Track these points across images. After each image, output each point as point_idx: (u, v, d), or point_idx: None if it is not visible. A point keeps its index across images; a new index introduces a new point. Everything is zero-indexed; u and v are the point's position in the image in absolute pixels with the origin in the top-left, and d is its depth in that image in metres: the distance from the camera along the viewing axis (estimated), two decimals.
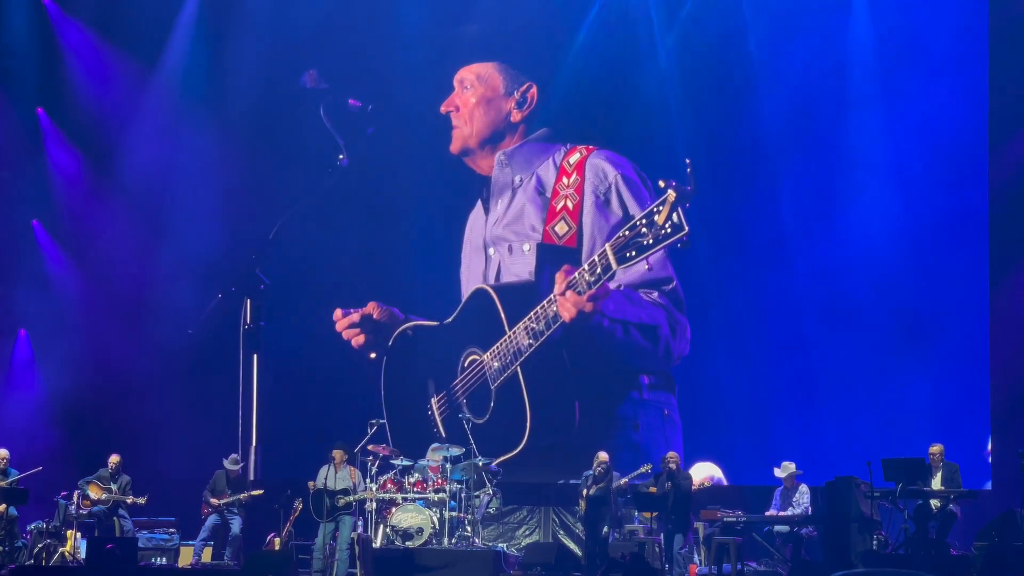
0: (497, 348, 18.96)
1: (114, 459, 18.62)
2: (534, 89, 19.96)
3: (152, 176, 21.34)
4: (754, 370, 19.16)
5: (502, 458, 18.90)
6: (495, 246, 19.66)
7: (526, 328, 18.53)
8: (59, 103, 21.55)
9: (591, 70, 19.81)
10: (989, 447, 18.53)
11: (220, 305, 20.19)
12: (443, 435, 19.74)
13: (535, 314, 18.39)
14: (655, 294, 18.92)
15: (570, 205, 19.12)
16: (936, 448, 16.87)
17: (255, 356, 20.05)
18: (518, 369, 18.79)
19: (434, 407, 20.01)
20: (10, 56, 21.46)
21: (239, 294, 20.02)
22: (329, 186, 20.16)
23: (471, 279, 19.72)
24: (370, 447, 18.67)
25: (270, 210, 20.43)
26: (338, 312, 20.26)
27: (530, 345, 18.46)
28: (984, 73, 18.83)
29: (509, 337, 18.84)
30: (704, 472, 19.08)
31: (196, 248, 20.54)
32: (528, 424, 18.86)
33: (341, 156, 20.13)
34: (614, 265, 16.07)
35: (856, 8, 19.35)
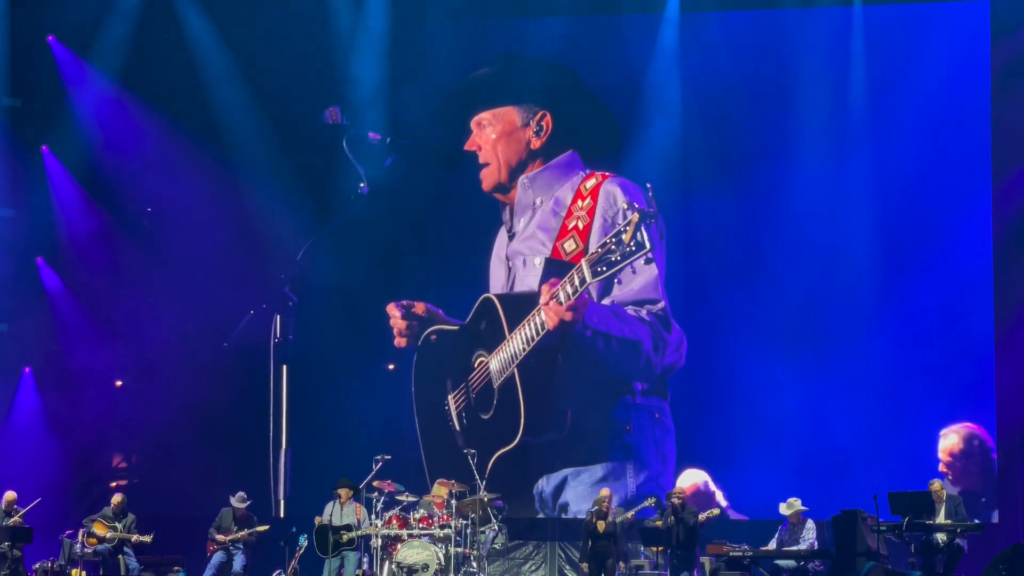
0: (498, 351, 20.20)
1: (116, 499, 18.63)
2: (548, 117, 20.89)
3: (162, 214, 21.59)
4: (749, 378, 19.76)
5: (500, 451, 20.05)
6: (513, 259, 20.93)
7: (521, 335, 19.81)
8: (65, 141, 21.62)
9: (607, 94, 20.87)
10: None
11: (252, 321, 21.20)
12: (457, 428, 20.72)
13: (527, 321, 19.71)
14: (643, 312, 19.96)
15: (580, 226, 20.31)
16: (936, 484, 16.87)
17: (284, 367, 21.06)
18: (515, 370, 19.97)
19: (451, 402, 20.98)
20: (15, 94, 21.56)
21: (269, 311, 21.12)
22: (351, 212, 21.22)
23: (494, 288, 21.04)
24: (375, 483, 18.69)
25: (295, 235, 21.34)
26: (392, 305, 21.28)
27: (524, 349, 19.77)
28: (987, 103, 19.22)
29: (509, 341, 20.01)
30: (691, 479, 19.64)
31: (204, 283, 21.05)
32: (522, 421, 19.94)
33: (362, 184, 21.16)
34: (588, 278, 17.77)
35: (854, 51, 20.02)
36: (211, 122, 21.33)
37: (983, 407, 19.05)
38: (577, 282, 18.25)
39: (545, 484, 20.27)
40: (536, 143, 20.87)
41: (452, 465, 19.28)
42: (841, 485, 19.11)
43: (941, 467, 18.96)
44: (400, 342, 21.22)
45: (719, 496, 19.80)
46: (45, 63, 21.48)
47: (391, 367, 21.35)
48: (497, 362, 20.19)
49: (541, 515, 20.20)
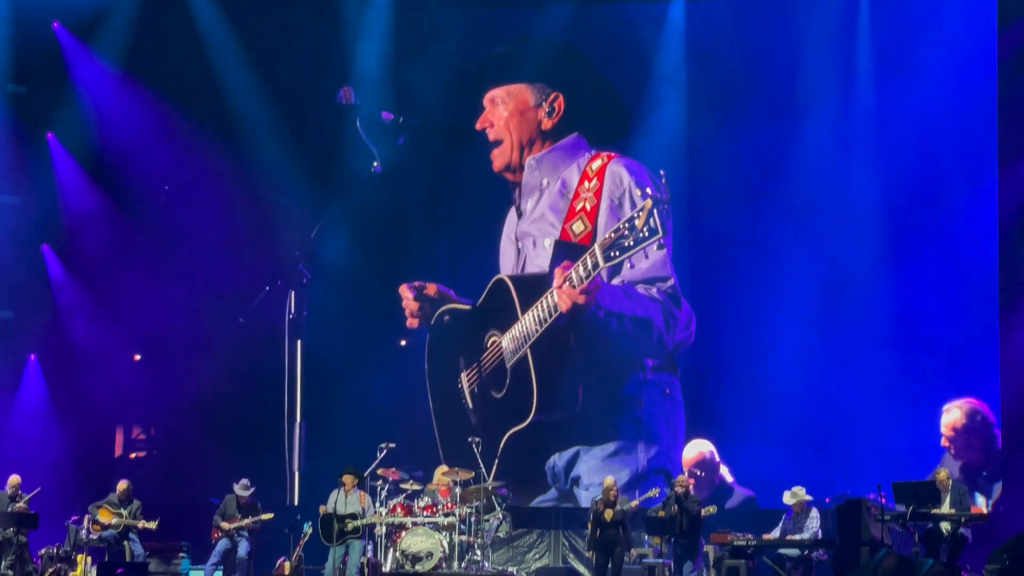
0: (512, 332, 20.43)
1: (122, 485, 18.67)
2: (561, 98, 20.96)
3: (170, 197, 21.68)
4: (755, 353, 19.93)
5: (514, 429, 20.28)
6: (522, 240, 21.09)
7: (534, 315, 20.01)
8: (70, 127, 21.61)
9: (616, 78, 20.97)
10: None
11: (267, 298, 21.56)
12: (470, 406, 21.02)
13: (540, 304, 19.91)
14: (653, 290, 20.13)
15: (588, 207, 20.44)
16: (942, 473, 16.89)
17: (299, 342, 21.43)
18: (528, 351, 20.15)
19: (463, 380, 21.25)
20: (20, 81, 21.55)
21: (284, 287, 21.52)
22: (365, 191, 21.46)
23: (504, 270, 21.23)
24: (380, 471, 18.73)
25: (308, 214, 21.58)
26: (404, 287, 21.50)
27: (537, 330, 19.97)
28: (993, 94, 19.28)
29: (521, 322, 20.24)
30: (697, 448, 19.88)
31: (215, 263, 21.34)
32: (534, 400, 20.15)
33: (376, 163, 21.39)
34: (601, 263, 18.21)
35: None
36: (218, 105, 21.36)
37: (988, 384, 19.08)
38: (590, 266, 18.53)
39: (557, 459, 20.45)
40: (547, 124, 20.98)
41: (465, 444, 19.44)
42: (843, 460, 19.40)
43: (943, 442, 19.04)
44: (412, 323, 21.42)
45: (724, 469, 20.00)
46: (50, 49, 21.45)
47: (403, 343, 21.57)
48: (510, 342, 20.41)
49: (553, 490, 20.39)
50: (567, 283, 19.10)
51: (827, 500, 18.67)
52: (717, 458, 19.99)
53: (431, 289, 21.44)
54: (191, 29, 21.37)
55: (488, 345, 20.83)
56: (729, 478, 19.99)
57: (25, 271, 21.49)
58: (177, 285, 21.51)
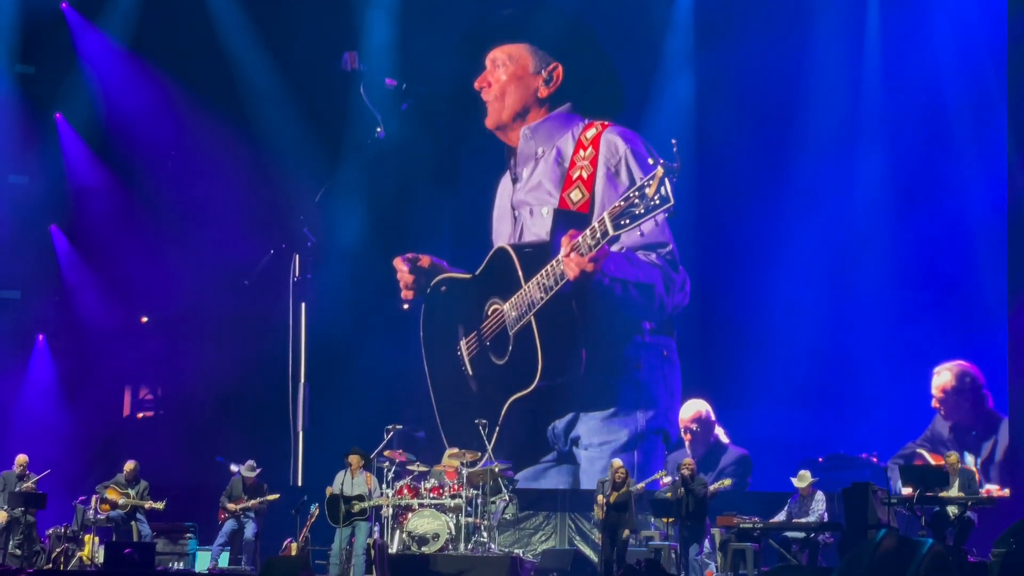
0: (515, 299, 20.63)
1: (129, 465, 18.71)
2: (560, 69, 21.09)
3: (177, 174, 21.79)
4: (752, 315, 20.08)
5: (517, 395, 20.51)
6: (519, 209, 21.22)
7: (538, 283, 20.23)
8: (78, 107, 21.62)
9: (614, 50, 21.11)
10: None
11: (272, 261, 21.78)
12: (470, 373, 21.20)
13: (546, 271, 20.10)
14: (653, 256, 20.34)
15: (584, 175, 20.64)
16: (952, 457, 16.87)
17: (303, 305, 21.66)
18: (532, 318, 20.36)
19: (463, 348, 21.41)
20: (29, 61, 21.54)
21: (288, 251, 21.76)
22: (369, 156, 21.67)
23: (500, 238, 21.36)
24: (386, 453, 18.74)
25: (311, 179, 21.75)
26: (398, 260, 21.70)
27: (541, 298, 20.20)
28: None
29: (525, 290, 20.44)
30: (694, 407, 20.10)
31: (221, 234, 21.40)
32: (540, 366, 20.33)
33: (379, 129, 21.57)
34: (611, 231, 18.33)
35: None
36: (223, 74, 21.43)
37: (984, 346, 19.16)
38: (599, 234, 18.71)
39: (558, 422, 20.63)
40: (544, 92, 21.11)
41: (464, 414, 19.71)
42: (838, 420, 19.57)
43: (934, 403, 19.16)
44: (407, 295, 21.59)
45: (719, 430, 20.14)
46: (58, 30, 21.45)
47: (405, 307, 21.75)
48: (513, 310, 20.58)
49: (554, 452, 20.55)
50: (574, 252, 19.25)
51: (820, 459, 18.96)
52: (713, 417, 20.18)
53: (424, 261, 21.62)
54: (196, 4, 21.37)
55: (489, 313, 21.00)
56: (724, 438, 20.16)
57: (33, 251, 21.50)
58: (184, 257, 21.57)
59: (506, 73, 21.23)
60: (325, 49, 21.72)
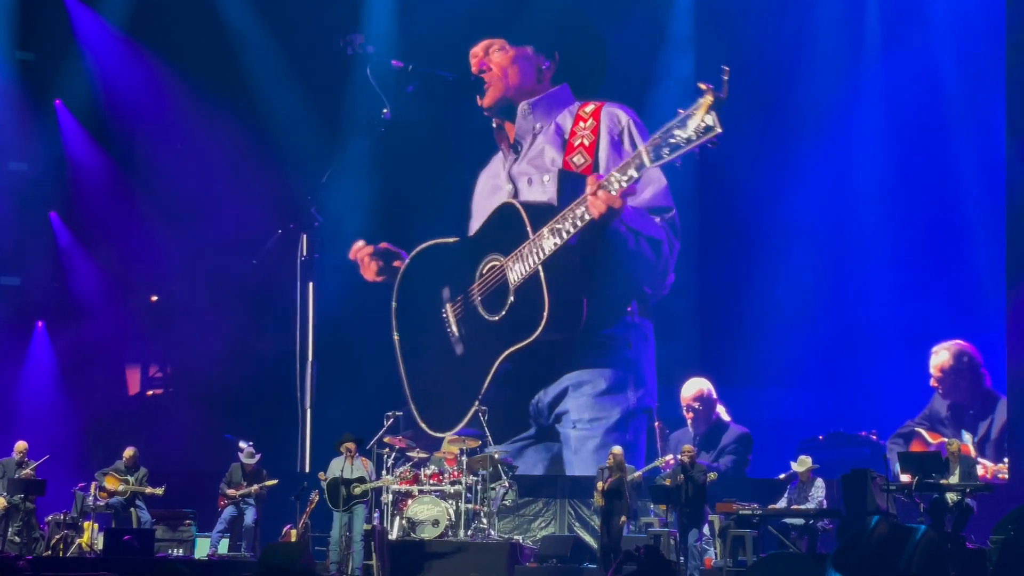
0: (519, 251, 20.47)
1: (129, 452, 18.70)
2: (558, 54, 21.26)
3: (179, 160, 21.71)
4: (751, 294, 20.13)
5: (513, 348, 20.44)
6: (518, 179, 21.17)
7: (551, 229, 19.99)
8: (77, 94, 21.58)
9: (615, 32, 21.13)
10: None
11: (279, 241, 21.95)
12: (455, 334, 21.20)
13: (562, 216, 19.90)
14: (657, 219, 20.28)
15: (586, 142, 20.64)
16: (954, 444, 16.87)
17: (311, 284, 21.81)
18: (540, 268, 20.22)
19: (449, 311, 21.37)
20: (28, 48, 21.50)
21: (296, 230, 21.92)
22: (375, 137, 21.79)
23: (483, 215, 21.29)
24: (386, 439, 18.74)
25: (320, 160, 21.89)
26: (358, 248, 21.81)
27: (555, 244, 19.99)
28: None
29: (533, 240, 20.27)
30: (696, 385, 20.18)
31: (220, 217, 21.47)
32: (545, 315, 20.18)
33: (385, 110, 21.65)
34: (648, 163, 18.04)
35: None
36: (227, 58, 21.41)
37: (983, 325, 19.26)
38: (634, 168, 18.46)
39: (543, 395, 20.59)
40: (544, 75, 21.20)
41: (434, 380, 20.18)
42: (837, 399, 19.70)
43: (932, 382, 19.26)
44: (377, 279, 21.62)
45: (721, 408, 20.17)
46: (57, 17, 21.40)
47: (380, 278, 21.79)
48: (517, 262, 20.45)
49: (532, 429, 20.56)
50: (602, 189, 19.02)
51: (820, 437, 19.02)
52: (714, 395, 20.21)
53: (383, 245, 21.68)
54: None
55: (484, 271, 20.95)
56: (726, 416, 20.20)
57: (32, 238, 21.49)
58: (189, 239, 21.62)
59: (507, 57, 21.29)
60: (329, 30, 21.76)
